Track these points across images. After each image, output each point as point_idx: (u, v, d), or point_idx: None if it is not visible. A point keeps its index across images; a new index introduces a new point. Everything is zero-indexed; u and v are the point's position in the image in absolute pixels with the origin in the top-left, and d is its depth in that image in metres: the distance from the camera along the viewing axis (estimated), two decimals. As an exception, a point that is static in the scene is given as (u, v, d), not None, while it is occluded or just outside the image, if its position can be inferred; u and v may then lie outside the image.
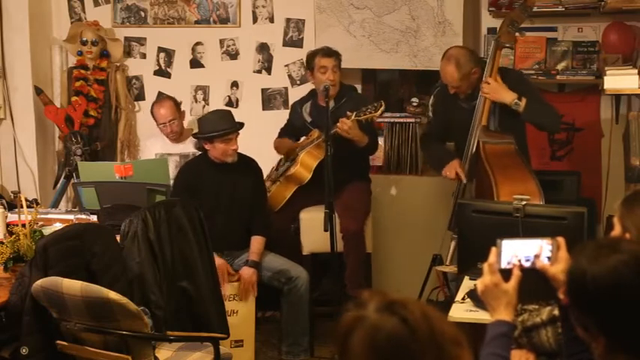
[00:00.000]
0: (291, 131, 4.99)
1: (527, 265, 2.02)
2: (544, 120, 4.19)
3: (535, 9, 4.74)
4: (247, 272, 4.39)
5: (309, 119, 4.83)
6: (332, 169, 4.23)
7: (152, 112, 5.18)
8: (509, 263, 2.02)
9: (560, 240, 2.04)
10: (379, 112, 4.43)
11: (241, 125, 4.47)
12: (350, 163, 4.67)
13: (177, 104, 5.17)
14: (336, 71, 4.72)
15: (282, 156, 4.98)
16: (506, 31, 4.19)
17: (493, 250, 2.03)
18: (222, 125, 4.40)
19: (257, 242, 4.49)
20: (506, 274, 2.01)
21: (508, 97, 4.11)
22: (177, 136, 5.14)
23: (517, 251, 2.03)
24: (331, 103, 4.71)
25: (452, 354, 1.46)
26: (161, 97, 5.32)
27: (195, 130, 5.09)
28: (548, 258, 2.02)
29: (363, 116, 4.45)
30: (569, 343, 2.05)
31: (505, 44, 4.24)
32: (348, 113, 4.47)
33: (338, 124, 4.46)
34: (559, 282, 2.01)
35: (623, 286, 1.72)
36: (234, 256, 4.52)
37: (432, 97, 4.71)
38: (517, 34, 4.24)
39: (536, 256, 2.03)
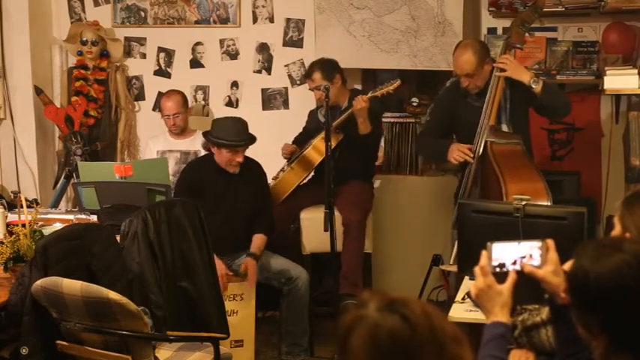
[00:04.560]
0: (305, 137, 4.97)
1: (516, 267, 2.02)
2: (559, 102, 4.17)
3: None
4: (249, 262, 4.39)
5: (322, 120, 4.83)
6: (335, 166, 4.27)
7: (160, 103, 5.32)
8: (500, 266, 2.03)
9: (550, 242, 2.04)
10: (394, 86, 4.55)
11: (253, 140, 4.46)
12: (353, 163, 4.69)
13: (185, 100, 5.25)
14: (320, 88, 4.58)
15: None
16: (517, 32, 4.19)
17: (484, 253, 2.03)
18: (234, 136, 4.41)
19: (259, 239, 4.49)
20: (499, 277, 2.01)
21: (526, 75, 4.08)
22: (179, 131, 5.19)
23: (507, 254, 2.03)
24: (345, 104, 4.82)
25: (452, 352, 1.46)
26: (171, 90, 5.32)
27: (199, 131, 5.11)
28: (537, 260, 2.03)
29: (379, 91, 4.58)
30: (564, 345, 2.06)
31: (515, 45, 4.23)
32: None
33: (354, 101, 4.58)
34: (550, 284, 2.02)
35: (625, 286, 1.72)
36: (234, 257, 4.52)
37: (437, 96, 4.74)
38: (527, 34, 4.23)
39: (523, 260, 2.03)
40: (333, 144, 4.54)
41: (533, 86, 4.04)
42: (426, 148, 4.77)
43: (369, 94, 4.60)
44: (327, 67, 4.80)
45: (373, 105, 4.64)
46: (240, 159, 4.43)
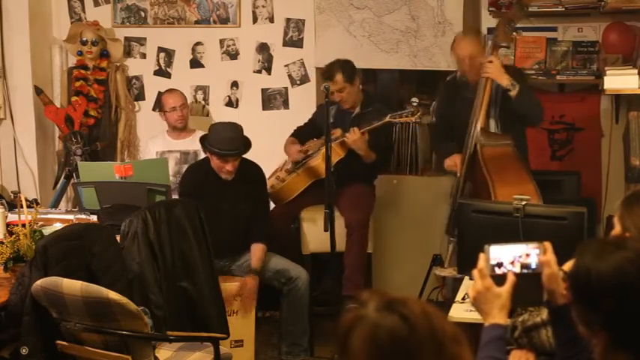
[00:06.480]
0: (311, 129, 4.94)
1: (514, 269, 2.03)
2: (531, 111, 4.21)
3: (535, 9, 4.75)
4: (250, 282, 4.36)
5: (331, 120, 4.79)
6: (338, 169, 4.28)
7: (161, 101, 5.31)
8: (498, 265, 2.03)
9: (547, 244, 2.04)
10: (416, 116, 4.52)
11: (245, 149, 4.40)
12: (356, 166, 4.68)
13: (184, 97, 5.28)
14: (343, 90, 4.70)
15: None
16: (503, 31, 4.19)
17: (481, 256, 2.03)
18: (225, 144, 4.35)
19: (259, 250, 4.46)
20: (498, 279, 2.01)
21: (505, 79, 4.13)
22: (184, 125, 5.19)
23: (504, 256, 2.03)
24: (357, 109, 4.81)
25: (452, 351, 1.46)
26: (171, 89, 5.34)
27: (198, 130, 5.10)
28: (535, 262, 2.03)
29: (399, 119, 4.55)
30: (563, 346, 2.06)
31: (502, 44, 4.24)
32: (361, 127, 4.56)
33: (348, 134, 4.54)
34: (549, 284, 2.01)
35: (627, 284, 1.73)
36: (235, 259, 4.51)
37: (438, 93, 4.77)
38: (514, 33, 4.24)
39: (527, 257, 2.03)
40: (343, 154, 4.59)
41: (510, 89, 4.10)
42: (439, 150, 4.90)
43: (365, 129, 4.55)
44: (348, 68, 4.74)
45: (376, 136, 4.62)
46: (230, 168, 4.37)
